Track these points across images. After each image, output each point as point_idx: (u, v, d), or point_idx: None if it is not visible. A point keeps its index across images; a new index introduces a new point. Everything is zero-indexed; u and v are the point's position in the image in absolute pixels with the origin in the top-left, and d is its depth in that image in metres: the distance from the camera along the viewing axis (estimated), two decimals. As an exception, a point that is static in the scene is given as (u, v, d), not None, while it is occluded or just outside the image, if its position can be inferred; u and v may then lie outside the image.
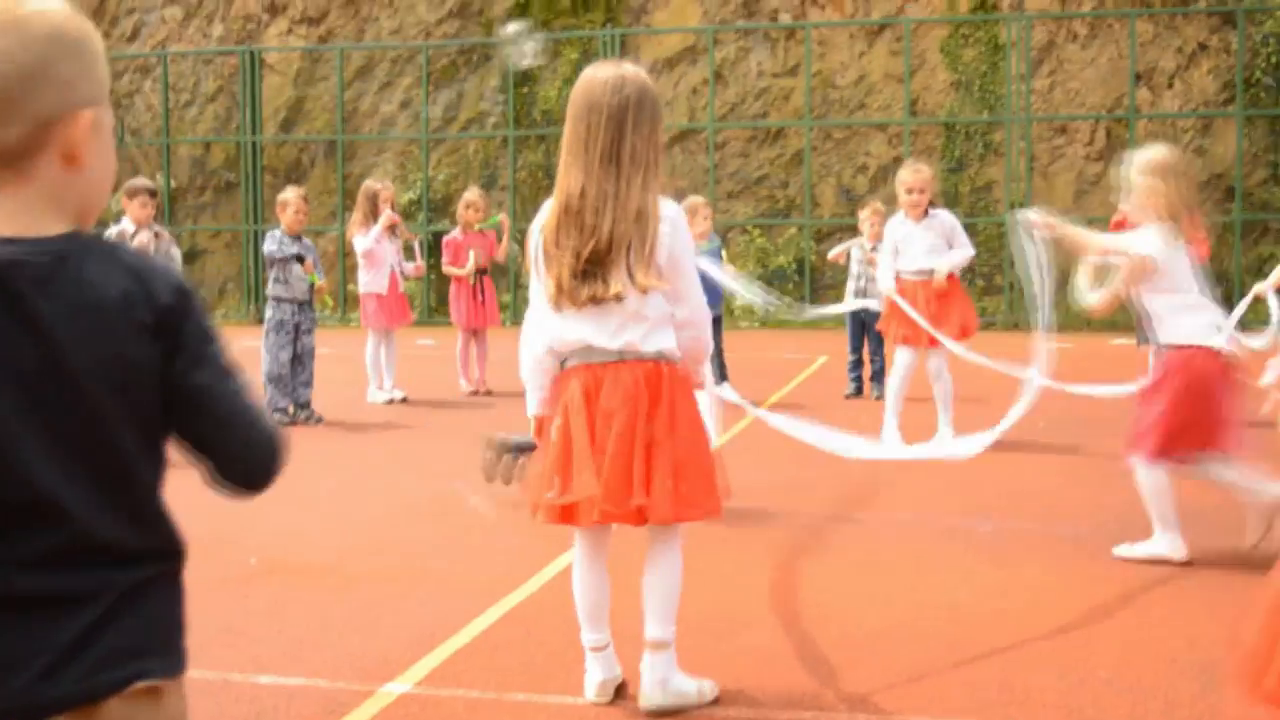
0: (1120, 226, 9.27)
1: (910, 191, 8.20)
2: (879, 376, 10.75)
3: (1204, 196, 18.83)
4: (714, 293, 10.35)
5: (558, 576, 4.93)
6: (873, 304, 9.69)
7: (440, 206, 21.04)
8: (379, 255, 10.65)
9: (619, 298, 3.40)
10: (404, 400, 10.67)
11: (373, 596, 4.82)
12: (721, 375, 10.56)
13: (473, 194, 11.40)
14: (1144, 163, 5.36)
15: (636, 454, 3.40)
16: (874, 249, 10.68)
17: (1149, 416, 5.18)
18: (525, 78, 20.73)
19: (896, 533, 5.80)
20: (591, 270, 3.40)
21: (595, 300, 3.41)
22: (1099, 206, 19.28)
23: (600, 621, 3.69)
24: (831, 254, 11.09)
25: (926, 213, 8.25)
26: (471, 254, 11.05)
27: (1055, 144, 19.53)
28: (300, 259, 9.58)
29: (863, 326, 10.73)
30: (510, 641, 4.25)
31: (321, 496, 6.74)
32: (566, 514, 3.50)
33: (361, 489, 7.10)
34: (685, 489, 3.44)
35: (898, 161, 19.45)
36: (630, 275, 3.39)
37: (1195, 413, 5.09)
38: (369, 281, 10.70)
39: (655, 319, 3.46)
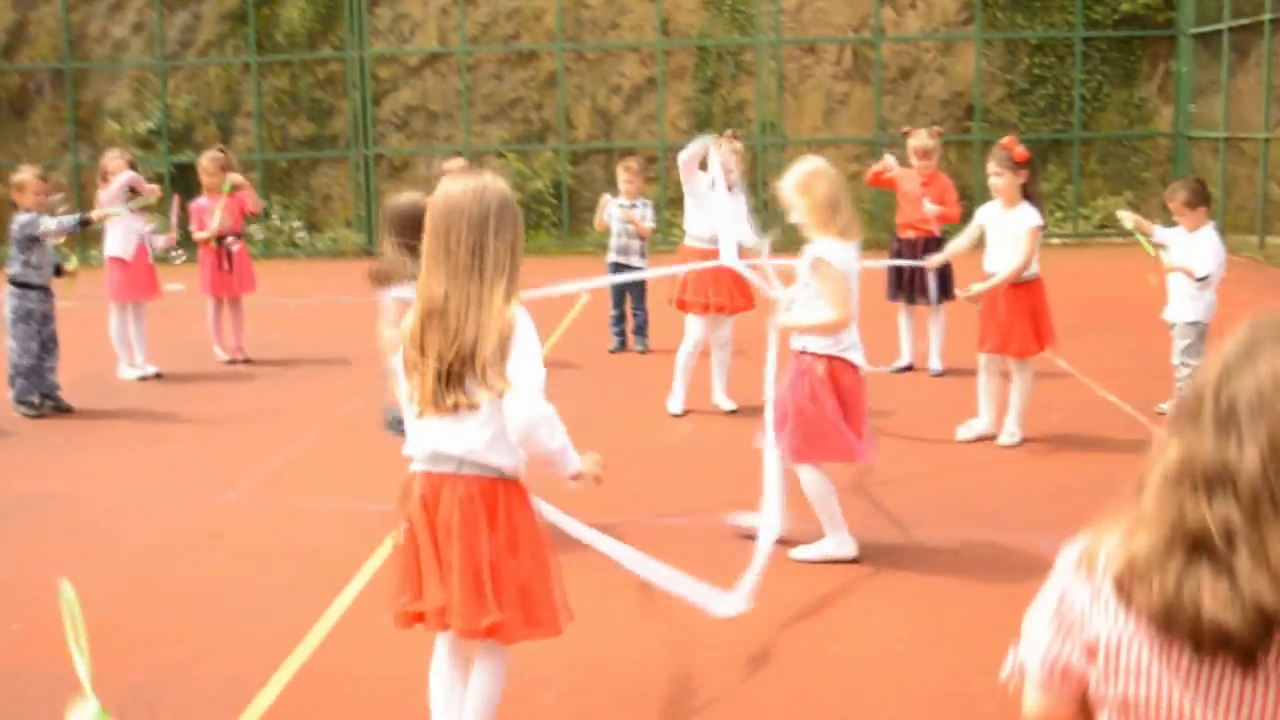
0: (878, 179, 9.59)
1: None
2: (641, 330, 10.89)
3: (945, 114, 19.54)
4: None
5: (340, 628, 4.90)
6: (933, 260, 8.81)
7: (181, 136, 20.13)
8: (127, 220, 10.13)
9: (475, 406, 3.39)
10: (158, 376, 10.29)
11: (156, 661, 4.69)
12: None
13: (204, 159, 10.92)
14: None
15: (484, 572, 3.42)
16: (632, 206, 10.74)
17: (806, 425, 5.44)
18: (266, -2, 19.89)
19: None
20: (457, 375, 3.38)
21: (457, 408, 3.39)
22: (846, 124, 19.80)
23: (450, 713, 3.73)
24: (597, 223, 11.05)
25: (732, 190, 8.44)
26: (217, 215, 10.60)
27: (804, 64, 19.86)
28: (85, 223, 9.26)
29: (624, 282, 10.81)
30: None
31: (81, 524, 6.49)
32: (418, 619, 3.56)
33: (128, 509, 6.84)
34: (533, 609, 3.51)
35: (651, 83, 19.55)
36: (486, 381, 3.36)
37: (833, 418, 5.43)
38: (114, 244, 10.17)
39: (500, 429, 3.44)
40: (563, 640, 3.68)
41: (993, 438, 7.61)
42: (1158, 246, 8.06)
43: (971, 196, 17.72)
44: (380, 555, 5.81)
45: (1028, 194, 7.32)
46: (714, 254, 8.08)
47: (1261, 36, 16.13)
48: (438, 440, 3.47)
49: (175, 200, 10.80)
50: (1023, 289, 7.41)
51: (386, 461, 7.50)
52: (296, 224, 19.78)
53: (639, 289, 10.84)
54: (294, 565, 5.79)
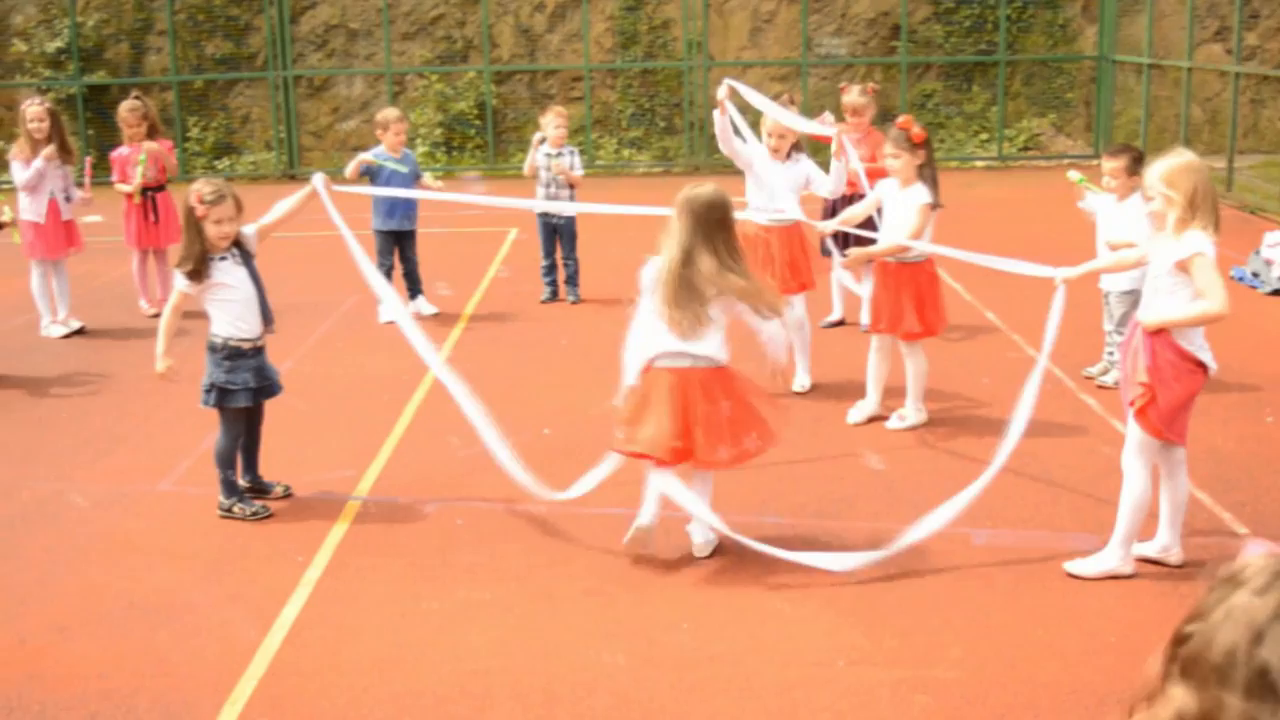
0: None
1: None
2: (573, 280, 10.85)
3: (871, 34, 19.47)
4: (407, 205, 10.19)
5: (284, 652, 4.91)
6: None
7: (93, 55, 19.54)
8: (37, 183, 9.89)
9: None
10: (81, 331, 10.13)
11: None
12: (415, 290, 10.47)
13: (122, 109, 10.61)
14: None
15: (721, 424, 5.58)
16: (558, 155, 10.62)
17: (1172, 403, 5.30)
18: (176, -90, 19.23)
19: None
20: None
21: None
22: (773, 46, 19.66)
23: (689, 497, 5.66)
24: (527, 167, 10.89)
25: (790, 155, 8.17)
26: (139, 170, 10.37)
27: (730, -19, 19.63)
28: None
29: (554, 231, 10.75)
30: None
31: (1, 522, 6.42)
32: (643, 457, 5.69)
33: (53, 502, 6.77)
34: (740, 444, 5.64)
35: (575, 0, 19.22)
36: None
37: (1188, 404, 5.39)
38: (26, 209, 9.95)
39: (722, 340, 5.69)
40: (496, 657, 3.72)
41: (883, 419, 7.59)
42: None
43: (895, 114, 17.75)
44: (329, 547, 5.83)
45: (924, 174, 7.32)
46: (775, 229, 8.03)
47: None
48: (686, 347, 5.52)
49: (87, 161, 10.48)
50: (910, 270, 7.37)
51: (324, 434, 7.51)
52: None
53: (570, 237, 10.77)
54: (235, 570, 5.77)
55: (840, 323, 9.83)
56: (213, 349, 6.31)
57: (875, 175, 9.51)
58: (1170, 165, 5.19)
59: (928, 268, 7.46)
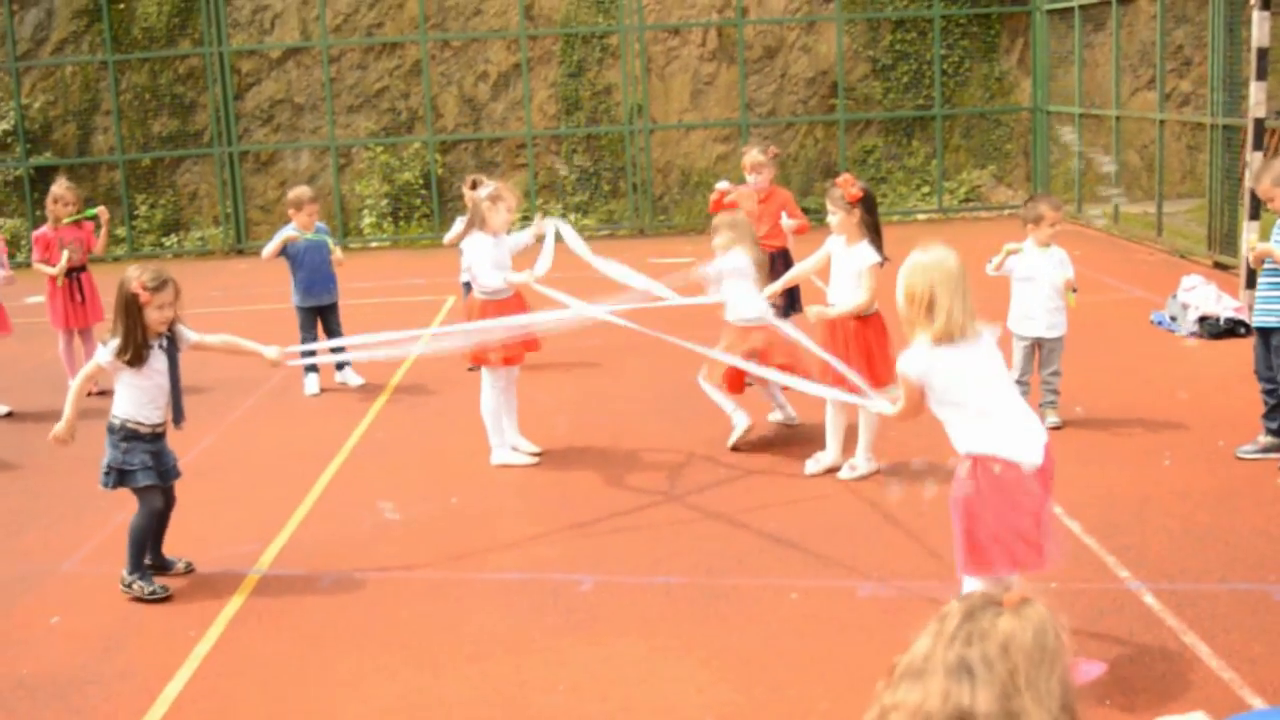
0: (719, 204, 9.69)
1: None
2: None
3: (811, 93, 19.73)
4: (326, 278, 10.29)
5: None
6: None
7: (40, 136, 19.69)
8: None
9: None
10: (8, 415, 10.16)
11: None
12: (342, 362, 10.52)
13: (60, 187, 10.72)
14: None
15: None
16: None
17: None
18: (120, -7, 19.46)
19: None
20: None
21: None
22: (714, 107, 19.91)
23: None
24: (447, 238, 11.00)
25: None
26: (65, 253, 10.47)
27: (670, 45, 19.91)
28: None
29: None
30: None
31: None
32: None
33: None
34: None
35: (517, 68, 19.48)
36: None
37: None
38: (-51, 294, 10.05)
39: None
40: None
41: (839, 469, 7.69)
42: (1072, 288, 8.30)
43: (837, 171, 17.98)
44: (222, 621, 5.86)
45: (866, 231, 7.42)
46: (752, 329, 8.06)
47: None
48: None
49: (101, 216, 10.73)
50: (861, 323, 7.47)
51: (235, 508, 7.55)
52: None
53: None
54: (129, 647, 5.79)
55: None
56: (111, 429, 6.36)
57: (799, 232, 9.70)
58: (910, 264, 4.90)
59: (875, 321, 7.52)
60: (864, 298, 7.34)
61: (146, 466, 6.34)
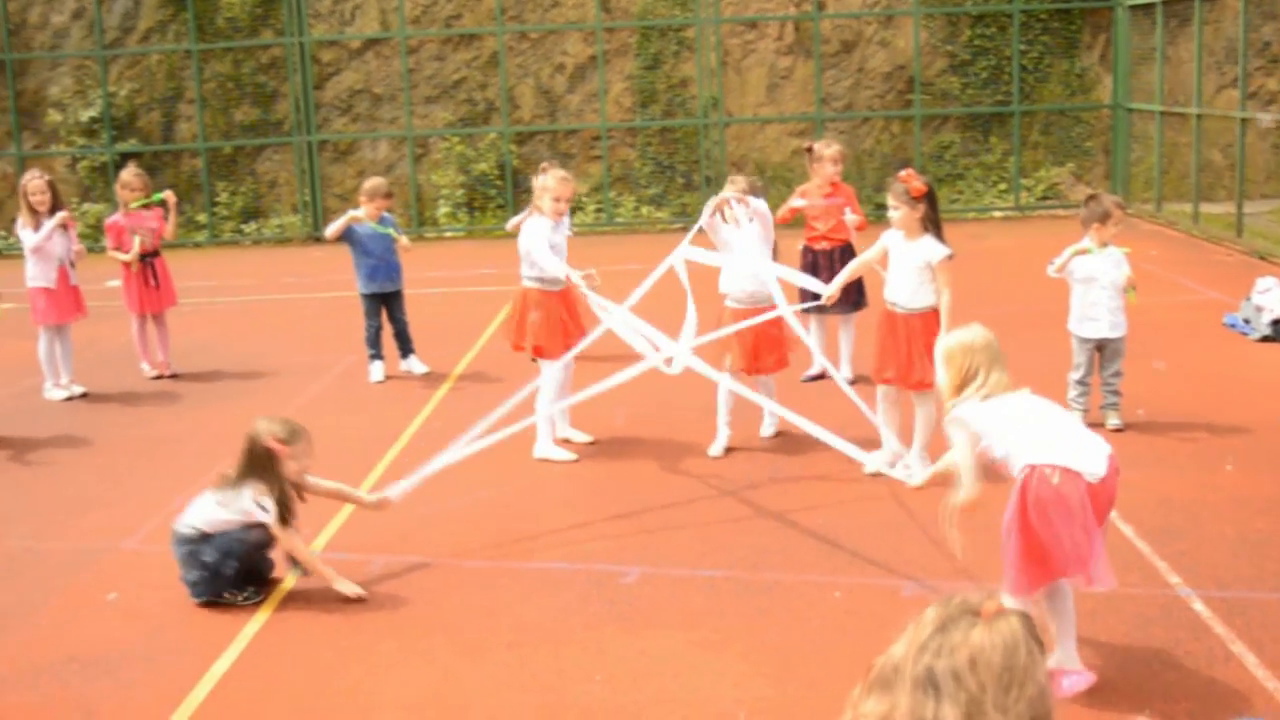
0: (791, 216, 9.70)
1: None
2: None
3: (887, 88, 19.59)
4: (390, 266, 10.41)
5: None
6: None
7: (125, 124, 20.08)
8: (48, 249, 10.21)
9: None
10: (84, 396, 10.39)
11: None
12: (406, 349, 10.63)
13: (127, 173, 10.93)
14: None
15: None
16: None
17: None
18: (206, -17, 19.79)
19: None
20: None
21: None
22: (790, 101, 19.83)
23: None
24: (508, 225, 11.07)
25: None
26: (136, 239, 10.68)
27: (747, 39, 19.86)
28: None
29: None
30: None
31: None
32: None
33: (24, 561, 6.96)
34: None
35: (593, 60, 19.53)
36: None
37: None
38: (36, 275, 10.26)
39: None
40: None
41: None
42: (1132, 286, 8.20)
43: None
44: (273, 601, 5.96)
45: (929, 226, 7.34)
46: (752, 312, 8.01)
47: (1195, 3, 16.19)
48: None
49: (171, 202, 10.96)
50: (920, 319, 7.33)
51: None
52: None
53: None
54: (182, 624, 5.92)
55: (821, 376, 9.87)
56: (193, 539, 6.12)
57: (861, 228, 9.66)
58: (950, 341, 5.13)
59: (934, 316, 7.33)
60: (947, 294, 7.23)
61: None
